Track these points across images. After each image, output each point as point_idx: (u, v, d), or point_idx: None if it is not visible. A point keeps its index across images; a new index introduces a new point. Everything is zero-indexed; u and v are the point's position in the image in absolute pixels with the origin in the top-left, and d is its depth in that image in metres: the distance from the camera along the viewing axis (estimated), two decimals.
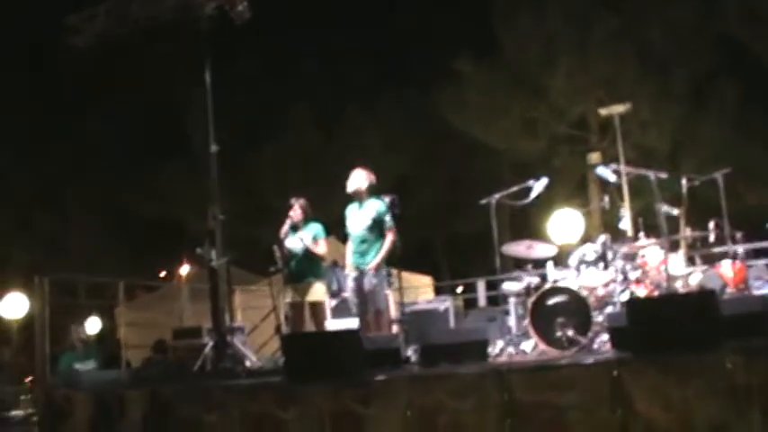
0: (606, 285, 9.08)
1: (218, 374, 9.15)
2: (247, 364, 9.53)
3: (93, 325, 18.66)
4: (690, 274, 9.75)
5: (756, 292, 9.81)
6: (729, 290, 9.53)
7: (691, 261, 10.25)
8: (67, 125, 27.12)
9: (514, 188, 10.10)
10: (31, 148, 27.06)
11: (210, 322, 10.34)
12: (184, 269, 27.47)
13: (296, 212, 10.16)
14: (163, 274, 30.43)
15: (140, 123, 26.88)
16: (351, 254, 9.83)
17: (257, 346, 11.63)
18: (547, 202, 11.63)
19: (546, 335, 8.63)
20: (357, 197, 9.79)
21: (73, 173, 27.75)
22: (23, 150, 27.09)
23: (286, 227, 10.12)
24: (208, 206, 10.11)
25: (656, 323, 6.19)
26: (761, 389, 5.43)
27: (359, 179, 9.78)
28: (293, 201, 10.27)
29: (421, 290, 16.48)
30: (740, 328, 6.34)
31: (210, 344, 9.82)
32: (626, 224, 10.18)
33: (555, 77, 22.08)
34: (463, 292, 19.06)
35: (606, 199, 10.65)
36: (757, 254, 12.41)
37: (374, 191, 9.83)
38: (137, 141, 27.09)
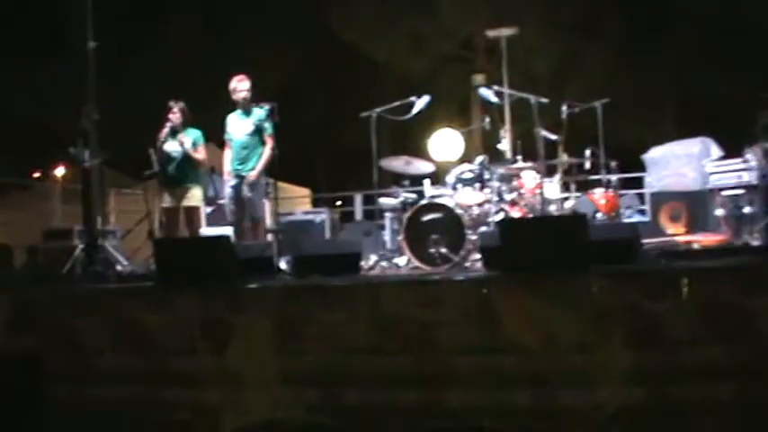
0: (481, 205, 9.17)
1: (89, 278, 8.99)
2: (119, 268, 9.41)
3: None
4: (564, 199, 9.93)
5: (626, 221, 10.07)
6: (601, 216, 9.75)
7: (566, 187, 10.43)
8: None
9: (396, 103, 10.08)
10: None
11: (82, 224, 10.13)
12: (59, 170, 26.83)
13: (175, 116, 9.96)
14: (37, 174, 29.67)
15: (12, 17, 25.84)
16: (230, 161, 9.76)
17: (130, 250, 11.45)
18: (428, 119, 11.65)
19: (419, 251, 8.71)
20: (242, 105, 9.69)
21: None
22: None
23: (165, 130, 9.92)
24: (83, 105, 9.82)
25: (527, 244, 6.30)
26: (623, 313, 5.60)
27: (244, 86, 9.69)
28: (172, 104, 10.05)
29: (298, 201, 16.48)
30: (608, 254, 6.49)
31: (81, 246, 9.62)
32: (505, 146, 10.30)
33: None
34: (341, 205, 19.10)
35: (487, 120, 10.71)
36: (629, 184, 12.74)
37: (254, 98, 9.73)
38: (10, 36, 26.08)
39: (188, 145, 9.90)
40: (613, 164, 10.43)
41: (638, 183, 13.74)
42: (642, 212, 12.67)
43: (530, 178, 9.49)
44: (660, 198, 11.95)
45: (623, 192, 11.35)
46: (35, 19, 24.14)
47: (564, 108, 10.06)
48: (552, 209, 9.48)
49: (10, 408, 7.14)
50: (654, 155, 13.18)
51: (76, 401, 7.10)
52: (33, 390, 7.27)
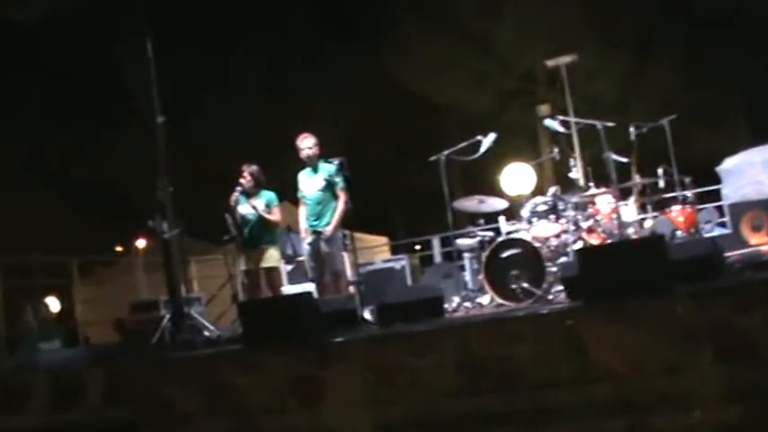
0: (558, 236, 9.14)
1: (178, 346, 9.11)
2: (206, 333, 9.50)
3: (51, 304, 18.48)
4: (641, 220, 9.85)
5: (706, 235, 9.93)
6: (681, 234, 9.63)
7: (642, 208, 10.34)
8: (13, 99, 26.66)
9: (463, 144, 10.12)
10: None
11: (167, 294, 10.28)
12: (140, 243, 27.27)
13: (246, 179, 10.12)
14: (119, 248, 30.18)
15: (84, 97, 26.46)
16: (305, 218, 9.87)
17: (215, 315, 11.59)
18: (497, 156, 11.64)
19: (501, 288, 8.69)
20: (309, 162, 9.83)
21: (26, 153, 27.33)
22: None
23: (236, 194, 10.07)
24: (157, 178, 10.01)
25: (607, 270, 6.26)
26: (711, 331, 5.51)
27: (310, 143, 9.82)
28: (244, 167, 10.23)
29: (377, 250, 16.53)
30: (690, 272, 6.41)
31: (168, 316, 9.77)
32: (576, 174, 10.24)
33: (500, 29, 22.02)
34: (420, 250, 19.11)
35: (556, 150, 10.68)
36: (706, 198, 12.56)
37: (323, 152, 9.86)
38: (85, 117, 26.70)
39: (261, 207, 10.04)
40: (687, 179, 10.32)
41: (715, 196, 13.52)
42: (722, 225, 12.46)
43: (605, 203, 9.42)
44: (739, 209, 11.72)
45: (701, 206, 11.19)
46: (107, 97, 24.69)
47: (631, 129, 10.01)
48: (630, 232, 9.40)
49: None
50: (728, 165, 12.97)
51: None
52: None
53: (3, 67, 25.37)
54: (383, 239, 18.29)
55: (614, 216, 9.23)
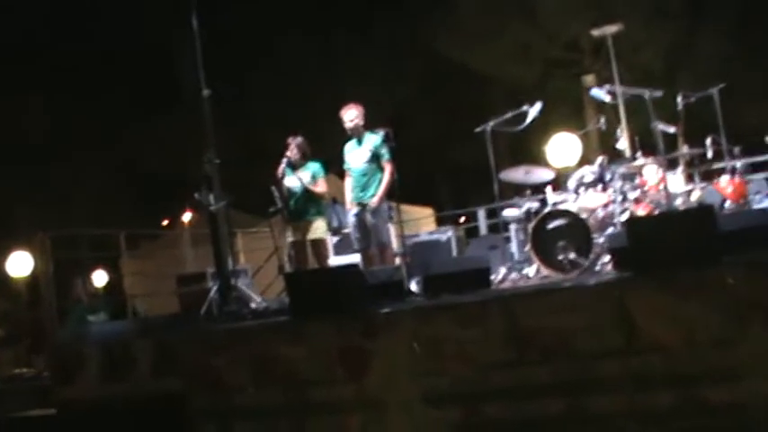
0: (605, 207, 9.08)
1: (225, 317, 9.18)
2: (253, 305, 9.54)
3: (99, 277, 18.71)
4: (689, 191, 9.74)
5: (756, 206, 9.80)
6: (729, 205, 9.52)
7: (689, 178, 10.23)
8: (60, 75, 26.88)
9: (509, 114, 10.06)
10: (30, 100, 26.87)
11: (214, 266, 10.35)
12: (187, 216, 27.44)
13: (292, 151, 10.15)
14: (166, 222, 30.43)
15: (130, 71, 26.62)
16: (351, 189, 9.90)
17: (262, 287, 11.65)
18: (543, 126, 11.57)
19: (548, 259, 8.66)
20: (354, 133, 9.83)
21: (72, 124, 27.57)
22: (21, 104, 26.92)
23: (282, 166, 10.11)
24: (203, 151, 10.06)
25: (656, 242, 6.21)
26: (761, 303, 5.46)
27: (355, 115, 9.82)
28: (290, 140, 10.26)
29: (422, 222, 16.49)
30: (740, 243, 6.36)
31: (215, 288, 9.83)
32: (623, 144, 10.15)
33: None
34: (465, 221, 19.07)
35: (602, 120, 10.60)
36: (756, 168, 12.38)
37: (369, 125, 9.85)
38: (130, 90, 26.86)
39: (307, 180, 10.07)
40: (737, 149, 10.17)
41: (765, 166, 13.33)
42: None
43: (652, 174, 9.33)
44: None
45: (750, 177, 11.03)
46: (154, 71, 24.81)
47: (679, 99, 9.89)
48: (678, 203, 9.31)
49: None
50: None
51: None
52: (180, 429, 7.47)
53: (51, 40, 25.63)
54: (428, 211, 18.22)
55: (662, 187, 9.14)
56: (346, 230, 10.79)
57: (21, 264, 17.69)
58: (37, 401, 9.02)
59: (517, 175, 10.06)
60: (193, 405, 7.48)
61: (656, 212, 8.96)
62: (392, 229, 10.13)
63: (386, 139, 9.55)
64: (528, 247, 8.96)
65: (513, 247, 10.27)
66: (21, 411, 8.97)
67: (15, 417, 8.70)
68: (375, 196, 9.65)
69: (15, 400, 9.16)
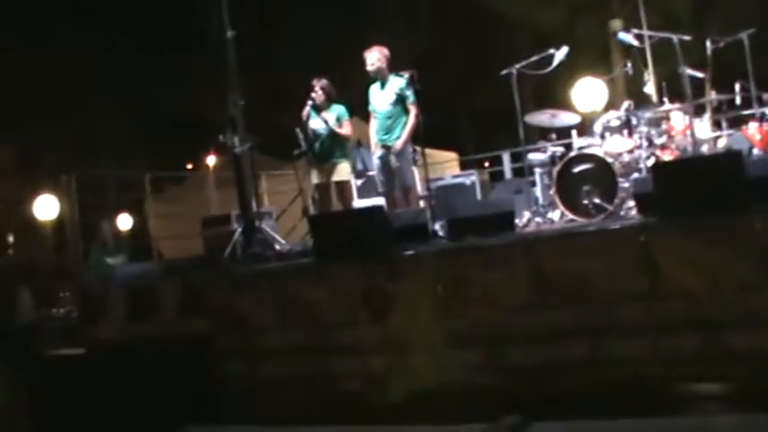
0: (631, 152, 9.02)
1: (249, 259, 9.23)
2: (277, 247, 9.58)
3: (124, 220, 18.79)
4: (716, 138, 9.66)
5: None
6: (757, 152, 9.43)
7: (717, 125, 10.13)
8: (85, 21, 26.88)
9: (535, 57, 9.98)
10: (52, 47, 26.90)
11: (238, 209, 10.39)
12: (211, 159, 27.50)
13: (317, 94, 10.12)
14: (190, 165, 30.51)
15: (150, 11, 26.55)
16: (375, 132, 9.86)
17: (286, 229, 11.69)
18: (569, 70, 11.47)
19: (572, 203, 8.62)
20: (378, 75, 9.79)
21: (95, 68, 27.61)
22: (44, 48, 26.94)
23: (307, 109, 10.08)
24: (228, 93, 10.04)
25: (683, 187, 6.18)
26: None
27: (376, 57, 9.76)
28: (315, 82, 10.22)
29: (446, 165, 16.45)
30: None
31: (239, 230, 9.87)
32: (650, 89, 10.06)
33: None
34: (489, 165, 19.00)
35: (629, 65, 10.50)
36: None
37: (394, 68, 9.79)
38: (150, 31, 26.81)
39: (332, 122, 10.05)
40: (766, 96, 10.05)
41: None
42: None
43: (679, 120, 9.25)
44: None
45: None
46: (175, 12, 24.72)
47: (708, 43, 9.76)
48: (704, 149, 9.23)
49: (183, 388, 7.42)
50: None
51: (247, 379, 7.35)
52: (205, 370, 7.55)
53: None
54: (453, 155, 18.16)
55: (688, 132, 9.07)
56: (370, 173, 10.81)
57: (47, 207, 17.75)
58: (66, 341, 9.12)
59: (543, 118, 10.00)
60: (218, 346, 7.56)
61: (683, 158, 8.90)
62: (416, 172, 10.11)
63: (410, 82, 9.50)
64: (552, 191, 8.92)
65: (538, 191, 10.22)
66: (51, 350, 9.09)
67: (47, 355, 8.82)
68: (399, 139, 9.62)
69: (46, 339, 9.27)
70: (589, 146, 9.20)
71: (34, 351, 9.10)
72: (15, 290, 9.25)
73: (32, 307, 9.44)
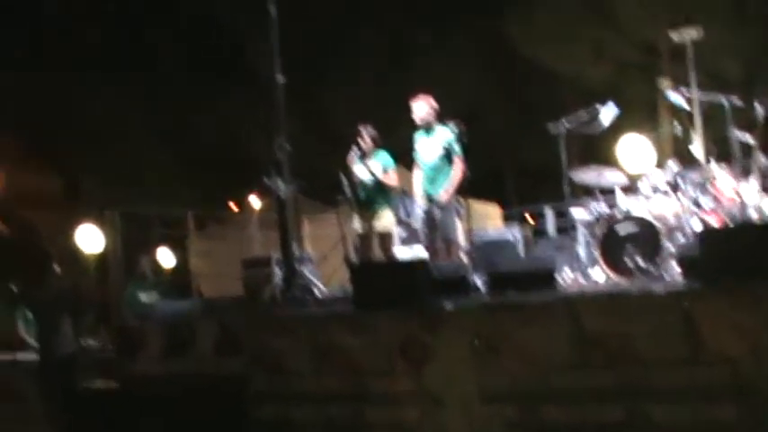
0: (677, 214, 8.95)
1: (288, 303, 9.24)
2: (316, 292, 9.61)
3: (165, 256, 18.87)
4: (764, 202, 9.56)
5: None
6: None
7: (765, 189, 10.04)
8: (138, 56, 27.24)
9: (583, 114, 9.97)
10: (103, 82, 27.29)
11: (279, 252, 10.42)
12: (254, 200, 27.63)
13: (364, 141, 10.16)
14: (233, 205, 30.67)
15: (209, 57, 26.90)
16: (420, 182, 9.87)
17: (326, 274, 11.70)
18: (616, 128, 11.41)
19: (615, 263, 8.55)
20: (424, 125, 9.81)
21: (145, 104, 27.94)
22: (95, 83, 27.33)
23: (353, 155, 10.13)
24: (275, 137, 10.12)
25: (729, 253, 6.12)
26: None
27: (423, 108, 9.80)
28: (361, 129, 10.27)
29: (489, 218, 16.43)
30: None
31: (279, 273, 9.90)
32: (698, 151, 10.00)
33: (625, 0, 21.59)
34: (532, 220, 18.94)
35: (677, 125, 10.46)
36: None
37: (441, 118, 9.82)
38: (206, 75, 27.14)
39: (377, 170, 10.07)
40: None
41: None
42: None
43: (726, 183, 9.18)
44: None
45: None
46: (228, 55, 25.03)
47: (758, 106, 9.70)
48: (752, 214, 9.14)
49: (216, 428, 7.42)
50: None
51: (280, 422, 7.35)
52: (239, 411, 7.55)
53: (132, 23, 25.98)
54: (496, 208, 18.16)
55: (735, 196, 8.99)
56: (413, 222, 10.80)
57: (89, 238, 17.88)
58: (101, 374, 9.16)
59: (588, 176, 9.96)
60: (253, 387, 7.56)
61: (729, 222, 8.81)
62: (459, 224, 10.08)
63: (458, 134, 9.52)
64: (596, 250, 8.87)
65: (581, 248, 10.15)
66: (85, 382, 9.13)
67: (82, 388, 8.88)
68: (444, 191, 9.62)
69: (81, 370, 9.32)
70: (634, 206, 9.15)
71: (72, 383, 9.15)
72: (60, 320, 9.31)
73: (73, 338, 9.50)
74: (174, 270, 17.39)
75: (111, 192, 26.43)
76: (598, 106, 9.91)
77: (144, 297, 12.07)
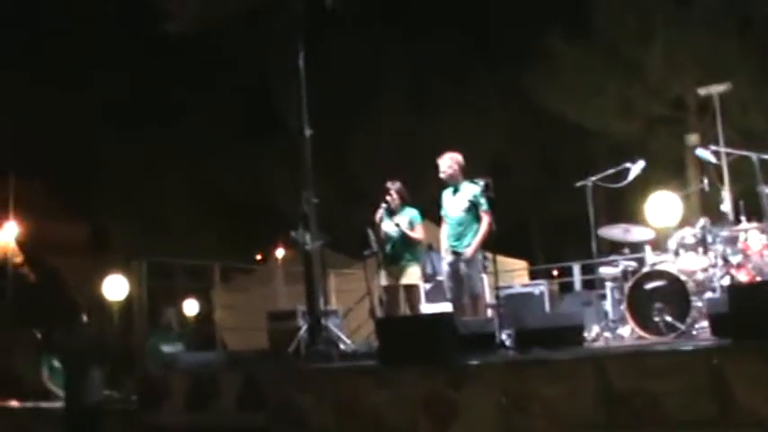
0: (705, 270, 8.88)
1: (313, 357, 9.21)
2: (341, 346, 9.57)
3: (190, 307, 18.93)
4: None
5: None
6: None
7: None
8: (167, 108, 27.55)
9: (611, 170, 9.96)
10: (131, 131, 27.58)
11: (305, 305, 10.41)
12: (280, 252, 27.68)
13: (392, 197, 10.15)
14: (259, 257, 30.74)
15: (236, 108, 27.14)
16: (446, 237, 9.84)
17: (351, 328, 11.67)
18: (643, 184, 11.39)
19: (643, 320, 8.48)
20: (451, 181, 9.80)
21: (173, 155, 28.20)
22: (123, 132, 27.63)
23: (381, 211, 10.12)
24: (302, 190, 10.15)
25: (759, 310, 6.04)
26: None
27: (449, 164, 9.80)
28: (389, 185, 10.27)
29: (516, 273, 16.35)
30: None
31: (305, 326, 9.88)
32: (726, 207, 9.94)
33: (651, 55, 21.60)
34: (558, 276, 18.85)
35: (705, 181, 10.41)
36: None
37: (468, 174, 9.81)
38: (233, 126, 27.38)
39: (404, 225, 10.06)
40: None
41: None
42: None
43: (755, 239, 9.10)
44: None
45: None
46: (254, 108, 25.24)
47: None
48: None
49: None
50: None
51: None
52: None
53: (155, 78, 26.27)
54: (522, 263, 18.09)
55: (765, 252, 8.91)
56: (440, 278, 10.76)
57: (116, 287, 17.97)
58: (123, 424, 9.15)
59: (616, 232, 9.91)
60: None
61: (758, 279, 8.73)
62: (486, 280, 10.04)
63: (485, 190, 9.49)
64: (623, 307, 8.80)
65: (608, 305, 10.08)
66: None
67: None
68: (470, 246, 9.57)
69: (103, 421, 9.31)
70: (662, 262, 9.08)
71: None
72: (89, 368, 9.33)
73: (101, 386, 9.51)
74: (199, 321, 17.44)
75: (137, 241, 26.64)
76: (629, 165, 9.89)
77: (167, 348, 12.04)
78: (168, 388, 8.57)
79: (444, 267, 9.92)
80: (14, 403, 11.58)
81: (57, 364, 11.11)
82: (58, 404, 10.29)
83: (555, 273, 20.11)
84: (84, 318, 10.22)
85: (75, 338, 9.63)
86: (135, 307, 11.02)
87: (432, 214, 10.88)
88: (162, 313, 13.03)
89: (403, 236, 10.07)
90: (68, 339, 9.71)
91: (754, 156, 9.24)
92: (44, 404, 10.99)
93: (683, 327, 8.22)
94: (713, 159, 10.36)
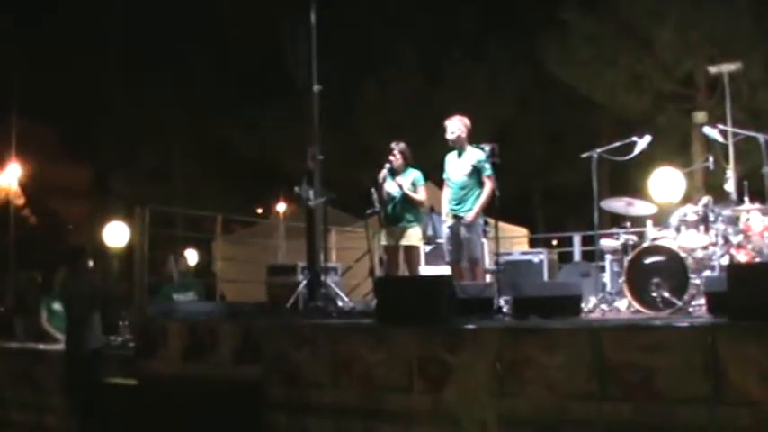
0: (705, 248, 8.88)
1: (310, 313, 9.25)
2: (339, 304, 9.60)
3: (190, 257, 18.91)
4: None
5: None
6: None
7: None
8: (172, 57, 27.44)
9: (617, 143, 9.94)
10: (134, 77, 27.50)
11: (305, 260, 10.44)
12: (281, 207, 27.72)
13: (395, 158, 10.13)
14: (259, 210, 30.81)
15: (244, 61, 27.03)
16: (448, 201, 9.83)
17: (350, 286, 11.70)
18: (648, 159, 11.39)
19: (641, 294, 8.50)
20: (456, 145, 9.78)
21: (177, 106, 28.15)
22: (127, 80, 27.56)
23: (384, 171, 10.11)
24: (307, 146, 10.15)
25: (757, 290, 6.06)
26: None
27: (457, 127, 9.76)
28: (393, 145, 10.24)
29: (516, 241, 16.36)
30: None
31: (304, 282, 9.92)
32: (730, 187, 9.94)
33: (664, 31, 21.44)
34: (558, 245, 18.87)
35: (711, 160, 10.40)
36: None
37: (474, 139, 9.79)
38: (240, 79, 27.26)
39: (407, 186, 10.06)
40: None
41: None
42: None
43: (757, 220, 9.10)
44: None
45: None
46: (264, 63, 25.12)
47: None
48: None
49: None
50: None
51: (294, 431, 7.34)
52: (254, 417, 7.56)
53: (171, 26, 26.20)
54: (523, 231, 18.10)
55: (766, 234, 8.92)
56: (440, 240, 10.77)
57: (117, 234, 17.97)
58: (121, 369, 9.22)
59: (619, 205, 9.92)
60: (268, 395, 7.57)
61: (758, 260, 8.75)
62: (485, 245, 10.05)
63: (490, 155, 9.46)
64: (622, 280, 8.82)
65: (607, 277, 10.11)
66: (104, 378, 9.19)
67: (102, 383, 8.97)
68: (471, 211, 9.57)
69: (102, 366, 9.39)
70: (663, 238, 9.09)
71: (96, 377, 9.21)
72: (91, 314, 9.39)
73: (101, 332, 9.57)
74: (198, 271, 17.47)
75: (139, 189, 26.66)
76: (635, 139, 9.86)
77: (179, 297, 12.09)
78: (166, 337, 8.63)
79: (445, 231, 9.93)
80: (14, 345, 11.67)
81: (56, 306, 11.16)
82: (57, 347, 10.35)
83: (555, 242, 20.16)
84: (91, 263, 10.22)
85: (80, 283, 9.65)
86: (136, 255, 11.03)
87: (435, 177, 10.87)
88: (163, 262, 13.06)
89: (405, 197, 10.06)
90: (74, 283, 9.72)
91: (760, 137, 9.21)
92: (42, 346, 11.07)
93: (680, 303, 8.25)
94: (720, 138, 10.34)
